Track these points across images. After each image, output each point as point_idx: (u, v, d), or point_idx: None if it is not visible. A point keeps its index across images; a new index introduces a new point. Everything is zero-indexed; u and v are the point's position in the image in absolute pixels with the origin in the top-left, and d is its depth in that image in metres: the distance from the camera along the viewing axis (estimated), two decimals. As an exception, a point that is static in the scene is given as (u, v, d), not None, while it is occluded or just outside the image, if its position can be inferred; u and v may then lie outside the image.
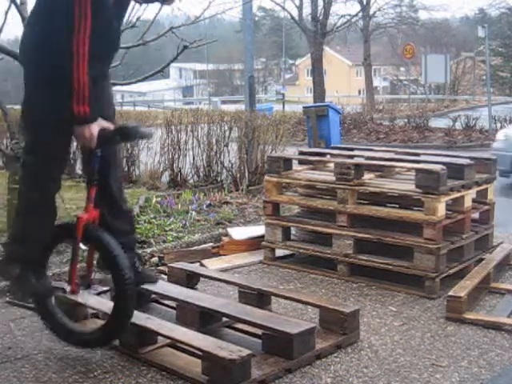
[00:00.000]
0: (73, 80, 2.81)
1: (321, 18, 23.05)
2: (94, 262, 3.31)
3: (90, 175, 3.12)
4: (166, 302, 3.93)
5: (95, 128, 2.94)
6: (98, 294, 4.22)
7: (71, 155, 10.10)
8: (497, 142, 9.44)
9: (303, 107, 11.54)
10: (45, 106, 2.98)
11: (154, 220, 5.95)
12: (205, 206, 6.68)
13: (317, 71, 23.31)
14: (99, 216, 3.17)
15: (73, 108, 2.85)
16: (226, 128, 8.43)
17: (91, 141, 2.96)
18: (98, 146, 3.01)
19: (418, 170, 4.40)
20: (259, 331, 3.36)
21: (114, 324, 3.17)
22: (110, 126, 3.05)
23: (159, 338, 3.34)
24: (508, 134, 9.29)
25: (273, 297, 3.94)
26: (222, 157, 8.44)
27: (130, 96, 41.52)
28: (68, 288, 3.23)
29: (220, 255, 5.23)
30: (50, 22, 2.90)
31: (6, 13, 5.80)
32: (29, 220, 3.14)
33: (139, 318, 3.40)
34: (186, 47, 5.51)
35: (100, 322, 3.45)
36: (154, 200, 6.84)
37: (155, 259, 5.02)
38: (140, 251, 5.11)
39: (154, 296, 3.97)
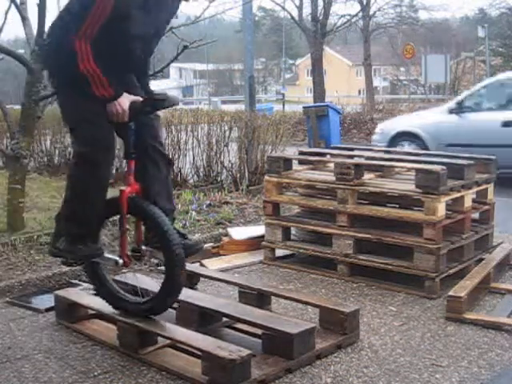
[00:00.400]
0: (83, 73, 3.00)
1: (321, 18, 23.07)
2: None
3: (127, 149, 3.23)
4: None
5: (125, 102, 3.10)
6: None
7: (71, 155, 10.13)
8: (375, 135, 10.34)
9: (303, 107, 11.55)
10: (79, 100, 3.13)
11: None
12: (205, 206, 6.68)
13: (317, 71, 23.33)
14: (143, 190, 3.28)
15: (95, 94, 3.04)
16: (226, 128, 8.43)
17: (123, 114, 3.11)
18: (130, 119, 3.13)
19: (418, 170, 4.40)
20: (259, 331, 3.36)
21: (165, 295, 3.26)
22: (138, 98, 3.18)
23: (159, 338, 3.34)
24: (383, 128, 10.14)
25: (273, 297, 3.94)
26: (222, 157, 8.44)
27: (130, 96, 41.42)
28: (120, 261, 3.32)
29: (220, 255, 5.23)
30: (61, 25, 3.16)
31: (6, 13, 5.82)
32: (79, 204, 3.22)
33: (139, 318, 3.40)
34: (186, 47, 5.51)
35: (153, 293, 3.43)
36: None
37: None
38: (140, 251, 5.13)
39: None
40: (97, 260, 3.39)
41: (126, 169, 3.31)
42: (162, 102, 3.24)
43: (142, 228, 3.38)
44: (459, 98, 9.57)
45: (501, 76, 10.28)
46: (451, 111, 9.15)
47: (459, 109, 9.06)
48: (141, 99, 3.20)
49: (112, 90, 3.06)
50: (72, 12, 3.12)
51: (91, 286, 4.39)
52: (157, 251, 3.33)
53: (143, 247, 3.37)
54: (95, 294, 3.60)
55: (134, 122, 3.20)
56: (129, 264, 3.37)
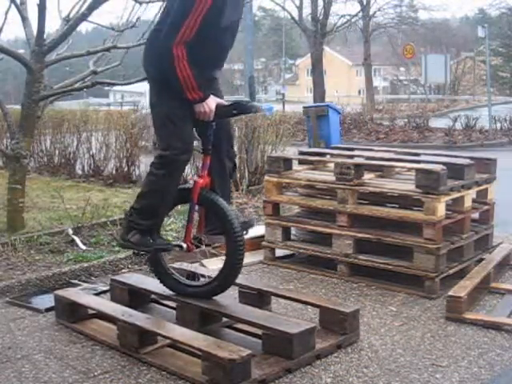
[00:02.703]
0: (178, 77, 3.25)
1: (321, 18, 23.08)
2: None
3: (206, 145, 3.50)
4: (166, 302, 3.93)
5: (212, 103, 3.38)
6: (98, 293, 4.24)
7: (71, 155, 10.13)
8: None
9: (303, 107, 11.52)
10: (170, 105, 3.38)
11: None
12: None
13: (317, 71, 23.34)
14: (210, 183, 3.55)
15: (187, 97, 3.31)
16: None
17: (210, 114, 3.38)
18: (214, 119, 3.41)
19: (417, 170, 4.40)
20: (259, 331, 3.36)
21: (227, 275, 3.49)
22: (222, 101, 3.47)
23: (159, 338, 3.34)
24: None
25: (273, 297, 3.94)
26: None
27: (130, 96, 41.48)
28: (184, 246, 3.57)
29: (220, 255, 5.22)
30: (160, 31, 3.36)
31: (6, 13, 5.80)
32: (155, 200, 3.48)
33: (139, 318, 3.41)
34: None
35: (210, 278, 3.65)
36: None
37: (155, 259, 5.02)
38: (140, 251, 5.13)
39: (153, 296, 3.97)
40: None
41: (201, 164, 3.60)
42: (248, 108, 3.53)
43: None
44: None
45: None
46: None
47: None
48: (224, 102, 3.46)
49: (201, 93, 3.32)
50: (171, 14, 3.29)
51: (91, 286, 4.40)
52: (216, 239, 3.65)
53: (203, 236, 3.65)
54: (160, 282, 3.74)
55: (214, 123, 3.47)
56: (192, 249, 3.61)
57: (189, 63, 3.25)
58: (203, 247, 3.67)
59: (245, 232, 3.51)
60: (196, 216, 3.68)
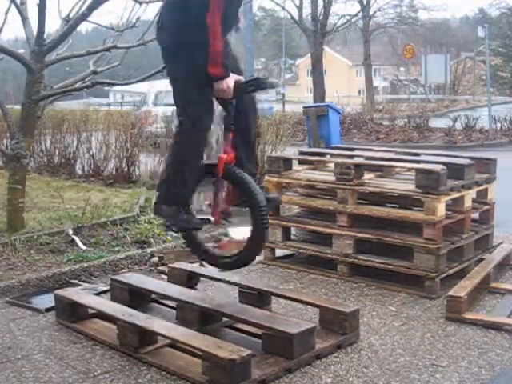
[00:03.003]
0: (210, 47, 3.27)
1: (321, 17, 23.08)
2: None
3: (227, 122, 3.56)
4: (166, 301, 3.93)
5: (231, 81, 3.41)
6: (98, 293, 4.24)
7: (71, 155, 10.14)
8: None
9: (303, 107, 11.52)
10: (187, 74, 3.41)
11: (154, 220, 5.95)
12: (204, 207, 6.66)
13: (317, 71, 23.34)
14: (235, 157, 3.61)
15: (209, 70, 3.33)
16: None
17: (228, 92, 3.42)
18: (234, 96, 3.45)
19: (417, 170, 4.40)
20: (259, 331, 3.36)
21: (254, 246, 3.58)
22: (241, 78, 3.51)
23: (159, 337, 3.34)
24: None
25: (273, 297, 3.94)
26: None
27: (130, 96, 41.46)
28: (212, 219, 3.71)
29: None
30: (186, 3, 3.35)
31: (6, 13, 5.81)
32: (182, 170, 3.54)
33: (139, 318, 3.41)
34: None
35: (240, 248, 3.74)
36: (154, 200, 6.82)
37: (155, 259, 5.03)
38: (140, 251, 5.14)
39: (154, 296, 3.97)
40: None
41: (223, 139, 3.66)
42: (264, 83, 3.53)
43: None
44: None
45: None
46: None
47: None
48: (242, 79, 3.50)
49: (223, 70, 3.36)
50: None
51: (91, 286, 4.40)
52: (242, 209, 3.69)
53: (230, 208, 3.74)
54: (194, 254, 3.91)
55: (236, 99, 3.51)
56: (219, 222, 3.75)
57: (221, 35, 3.29)
58: (231, 220, 3.79)
59: (270, 209, 3.63)
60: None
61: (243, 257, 3.65)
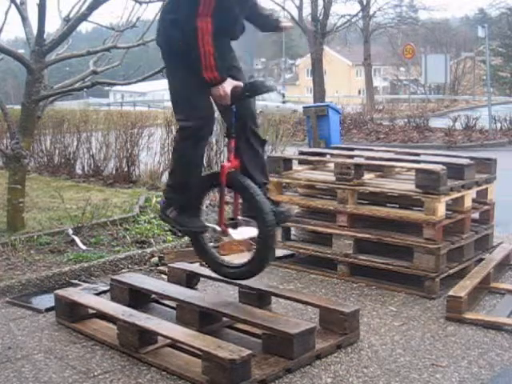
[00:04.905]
0: (199, 51, 3.22)
1: (321, 18, 23.06)
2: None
3: (229, 129, 3.53)
4: (166, 301, 3.93)
5: (228, 87, 3.35)
6: (98, 293, 4.24)
7: (71, 155, 10.14)
8: None
9: (303, 107, 11.52)
10: (184, 77, 3.41)
11: (154, 220, 5.95)
12: (204, 206, 6.66)
13: (317, 71, 23.32)
14: (240, 165, 3.57)
15: (203, 75, 3.27)
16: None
17: (226, 98, 3.36)
18: (232, 103, 3.41)
19: (417, 170, 4.40)
20: (259, 331, 3.36)
21: (260, 257, 3.52)
22: (240, 84, 3.44)
23: (159, 337, 3.34)
24: None
25: (273, 297, 3.94)
26: (222, 157, 8.44)
27: (130, 96, 41.49)
28: (218, 228, 3.65)
29: (220, 255, 5.22)
30: (178, 5, 3.34)
31: (6, 13, 5.81)
32: (184, 174, 3.55)
33: (139, 317, 3.41)
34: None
35: (248, 257, 3.70)
36: (154, 200, 6.83)
37: (155, 259, 5.03)
38: (140, 251, 5.13)
39: (153, 296, 3.97)
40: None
41: (227, 147, 3.66)
42: (263, 87, 3.49)
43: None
44: None
45: None
46: None
47: None
48: (242, 84, 3.43)
49: (218, 74, 3.28)
50: None
51: (91, 286, 4.41)
52: (250, 220, 3.61)
53: (239, 217, 3.67)
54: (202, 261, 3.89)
55: (236, 105, 3.46)
56: (226, 232, 3.65)
57: (212, 38, 3.22)
58: (239, 230, 3.69)
59: (279, 223, 3.56)
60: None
61: (251, 268, 3.61)
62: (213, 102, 3.47)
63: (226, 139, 3.62)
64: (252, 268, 3.60)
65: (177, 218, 3.59)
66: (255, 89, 3.46)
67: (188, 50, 3.29)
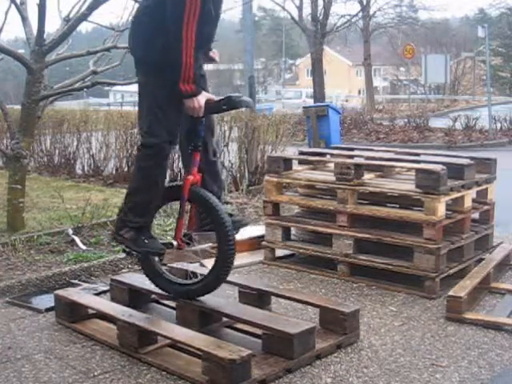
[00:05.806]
0: (181, 62, 3.13)
1: (321, 18, 23.04)
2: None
3: (196, 142, 3.44)
4: (166, 302, 3.93)
5: (202, 99, 3.29)
6: (98, 293, 4.24)
7: (71, 155, 10.13)
8: None
9: (303, 107, 11.53)
10: (157, 88, 3.30)
11: (153, 220, 5.94)
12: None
13: (317, 71, 23.30)
14: (202, 179, 3.50)
15: (180, 87, 3.19)
16: (226, 128, 8.42)
17: (199, 111, 3.29)
18: (204, 115, 3.35)
19: (417, 170, 4.40)
20: (259, 331, 3.36)
21: (219, 271, 3.42)
22: (212, 97, 3.39)
23: (159, 337, 3.34)
24: None
25: (273, 297, 3.94)
26: (222, 157, 8.44)
27: (130, 96, 41.42)
28: (175, 243, 3.52)
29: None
30: (160, 15, 3.19)
31: (6, 13, 5.81)
32: (146, 195, 3.41)
33: (139, 318, 3.41)
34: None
35: (202, 276, 3.62)
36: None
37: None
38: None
39: (153, 296, 3.97)
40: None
41: (192, 160, 3.49)
42: (238, 103, 3.43)
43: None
44: None
45: None
46: None
47: None
48: (214, 98, 3.40)
49: (194, 87, 3.22)
50: None
51: (91, 286, 4.40)
52: (206, 236, 3.59)
53: (194, 233, 3.58)
54: (151, 282, 3.72)
55: (204, 119, 3.41)
56: (183, 247, 3.55)
57: (195, 50, 3.15)
58: (195, 245, 3.64)
59: (235, 231, 3.44)
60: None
61: (207, 282, 3.48)
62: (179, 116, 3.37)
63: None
64: (210, 282, 3.47)
65: (132, 237, 3.43)
66: (231, 103, 3.39)
67: (166, 60, 3.19)
